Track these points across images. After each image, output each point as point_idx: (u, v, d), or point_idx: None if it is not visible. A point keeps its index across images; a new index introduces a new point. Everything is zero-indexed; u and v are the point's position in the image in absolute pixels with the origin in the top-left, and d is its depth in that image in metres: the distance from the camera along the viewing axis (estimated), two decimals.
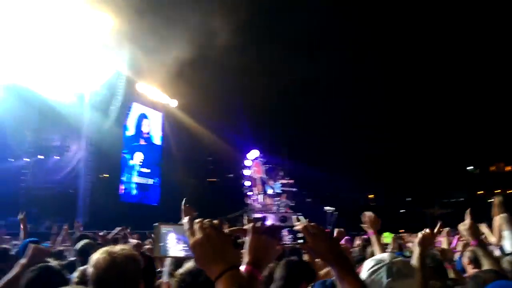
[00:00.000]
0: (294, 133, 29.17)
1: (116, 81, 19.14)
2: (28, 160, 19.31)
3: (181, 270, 2.05)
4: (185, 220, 1.31)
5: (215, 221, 1.31)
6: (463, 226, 2.79)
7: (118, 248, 2.12)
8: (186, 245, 1.33)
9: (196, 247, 1.26)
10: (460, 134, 37.15)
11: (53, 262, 2.89)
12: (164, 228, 1.40)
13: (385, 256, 1.86)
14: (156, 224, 1.44)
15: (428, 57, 29.98)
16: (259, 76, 22.35)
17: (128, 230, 6.28)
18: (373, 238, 3.47)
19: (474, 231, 2.78)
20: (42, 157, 19.39)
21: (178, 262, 2.43)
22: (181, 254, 1.38)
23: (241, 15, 18.21)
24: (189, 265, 2.04)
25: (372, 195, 42.51)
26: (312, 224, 1.53)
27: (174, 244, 1.38)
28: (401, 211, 38.54)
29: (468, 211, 2.85)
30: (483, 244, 2.73)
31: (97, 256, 2.06)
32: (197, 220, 1.29)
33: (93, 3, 16.03)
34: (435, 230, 3.29)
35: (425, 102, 33.62)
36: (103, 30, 17.02)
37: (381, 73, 29.62)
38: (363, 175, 32.99)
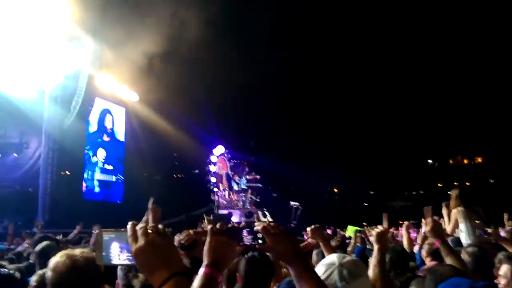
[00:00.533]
0: (260, 129, 29.29)
1: (78, 75, 18.59)
2: None
3: None
4: (128, 226, 1.26)
5: (160, 226, 1.26)
6: (426, 228, 2.81)
7: (78, 251, 2.06)
8: (130, 254, 1.27)
9: (138, 254, 1.21)
10: (420, 129, 38.30)
11: (9, 266, 2.81)
12: (106, 235, 1.33)
13: (334, 258, 1.88)
14: (97, 231, 1.39)
15: (390, 52, 30.67)
16: (223, 71, 22.25)
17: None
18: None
19: (437, 230, 2.78)
20: None
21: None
22: (125, 262, 1.32)
23: (207, 9, 18.08)
24: None
25: (336, 190, 43.29)
26: (272, 224, 1.52)
27: (118, 253, 1.32)
28: (365, 204, 39.40)
29: (426, 209, 2.87)
30: (446, 242, 2.77)
31: (56, 259, 2.00)
32: (140, 226, 1.24)
33: None
34: (385, 225, 3.31)
35: (387, 96, 34.41)
36: (63, 22, 16.50)
37: (344, 67, 30.09)
38: (328, 169, 33.49)
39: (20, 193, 18.29)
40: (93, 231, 6.59)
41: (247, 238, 1.48)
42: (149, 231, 1.24)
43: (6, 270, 2.41)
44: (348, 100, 32.40)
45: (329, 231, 9.44)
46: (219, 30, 19.76)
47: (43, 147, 18.23)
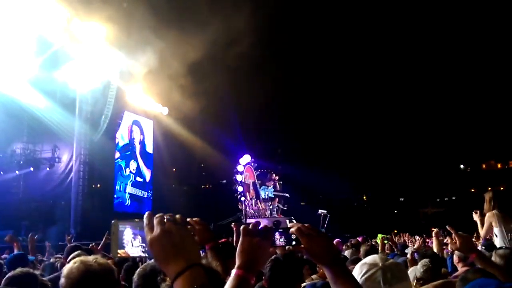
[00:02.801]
0: (287, 137, 29.23)
1: (106, 89, 19.03)
2: (18, 172, 19.15)
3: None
4: (145, 215, 1.23)
5: (177, 216, 1.24)
6: (455, 247, 2.64)
7: (92, 257, 2.06)
8: (143, 241, 1.26)
9: (154, 243, 1.17)
10: (451, 134, 37.45)
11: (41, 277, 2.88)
12: (122, 226, 1.33)
13: (377, 259, 1.85)
14: (114, 221, 1.39)
15: (421, 58, 30.25)
16: (250, 82, 22.40)
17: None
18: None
19: (467, 246, 2.60)
20: (32, 169, 19.23)
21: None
22: (137, 252, 1.31)
23: (235, 23, 18.24)
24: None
25: (365, 197, 42.66)
26: (306, 225, 1.49)
27: (131, 239, 1.31)
28: (395, 211, 38.69)
29: (448, 228, 2.70)
30: (481, 254, 2.62)
31: (70, 265, 2.00)
32: (157, 215, 1.22)
33: (84, 11, 15.97)
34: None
35: (417, 103, 33.88)
36: (93, 38, 16.98)
37: (373, 74, 29.82)
38: (357, 177, 33.10)
39: (52, 206, 18.73)
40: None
41: (279, 241, 1.46)
42: (166, 220, 1.21)
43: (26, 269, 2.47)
44: (378, 106, 32.05)
45: (359, 239, 9.30)
46: (246, 43, 19.88)
47: (75, 161, 18.68)
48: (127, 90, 20.25)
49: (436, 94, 33.86)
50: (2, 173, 18.76)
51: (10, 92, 16.08)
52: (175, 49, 16.90)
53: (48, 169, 19.46)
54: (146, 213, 1.24)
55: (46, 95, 16.88)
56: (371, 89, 30.72)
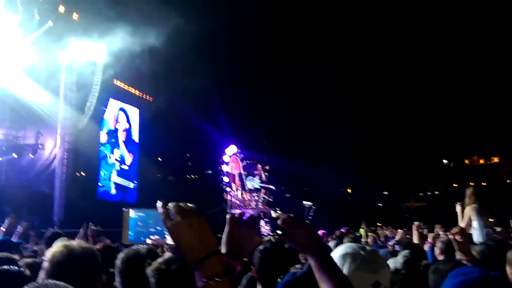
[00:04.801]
0: (272, 128, 29.24)
1: (91, 76, 18.81)
2: (1, 159, 18.86)
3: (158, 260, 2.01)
4: (159, 204, 1.24)
5: (191, 205, 1.25)
6: (457, 248, 2.75)
7: (75, 242, 2.09)
8: (160, 230, 1.28)
9: (175, 230, 1.19)
10: (435, 128, 37.92)
11: (24, 260, 2.85)
12: (134, 214, 1.35)
13: (356, 247, 1.86)
14: (126, 209, 1.40)
15: (405, 51, 30.42)
16: (235, 70, 22.32)
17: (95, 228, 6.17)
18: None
19: (468, 248, 2.78)
20: (15, 155, 18.94)
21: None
22: (153, 240, 1.33)
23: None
24: (165, 255, 2.01)
25: (350, 190, 43.04)
26: (291, 215, 1.52)
27: (147, 230, 1.33)
28: (379, 204, 39.11)
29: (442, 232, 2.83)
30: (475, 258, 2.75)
31: (53, 249, 2.02)
32: (172, 204, 1.23)
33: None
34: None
35: (401, 96, 34.15)
36: (74, 24, 16.79)
37: (358, 67, 29.94)
38: (341, 169, 33.34)
39: (35, 193, 18.51)
40: (81, 229, 6.65)
41: (264, 228, 1.48)
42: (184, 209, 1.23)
43: (15, 267, 2.41)
44: (362, 100, 32.19)
45: (343, 230, 9.41)
46: (229, 28, 19.77)
47: (59, 148, 18.48)
48: (113, 76, 20.04)
49: (421, 89, 34.18)
50: None
51: None
52: (158, 35, 16.69)
53: (31, 155, 19.20)
54: (159, 202, 1.25)
55: (31, 80, 16.67)
56: (356, 82, 30.86)
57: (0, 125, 18.87)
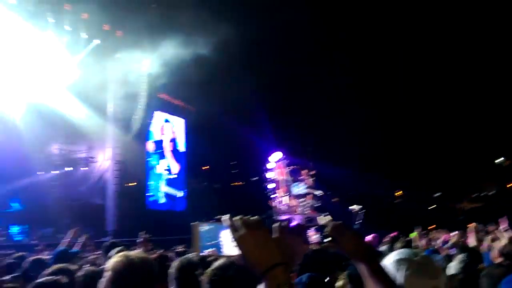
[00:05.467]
0: (317, 133, 28.99)
1: (137, 90, 19.45)
2: (57, 172, 19.79)
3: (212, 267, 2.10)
4: (225, 217, 1.32)
5: (255, 218, 1.32)
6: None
7: (134, 252, 2.25)
8: (216, 243, 1.34)
9: (241, 242, 1.25)
10: (488, 126, 36.29)
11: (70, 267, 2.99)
12: (202, 227, 1.42)
13: (410, 253, 1.77)
14: (194, 223, 1.46)
15: (452, 51, 29.42)
16: (279, 78, 22.32)
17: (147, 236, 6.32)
18: None
19: None
20: (70, 169, 19.84)
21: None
22: (222, 252, 1.39)
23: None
24: (219, 261, 2.08)
25: (400, 192, 41.87)
26: (339, 222, 1.54)
27: (215, 242, 1.40)
28: (430, 207, 37.81)
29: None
30: None
31: (114, 259, 2.18)
32: (237, 217, 1.30)
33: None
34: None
35: (452, 94, 32.98)
36: (119, 41, 17.42)
37: (403, 68, 29.21)
38: (390, 172, 32.51)
39: (89, 205, 19.24)
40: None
41: (314, 237, 1.49)
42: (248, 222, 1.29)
43: (50, 277, 2.52)
44: (411, 99, 31.35)
45: (393, 235, 9.14)
46: (273, 36, 19.81)
47: (108, 161, 19.17)
48: (157, 89, 20.60)
49: (472, 86, 32.88)
50: (42, 173, 19.42)
51: (44, 97, 16.78)
52: (201, 46, 16.97)
53: (83, 168, 20.02)
54: (226, 215, 1.32)
55: (79, 97, 17.44)
56: (403, 83, 30.10)
57: (54, 141, 19.85)
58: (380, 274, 1.48)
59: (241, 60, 20.07)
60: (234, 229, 1.27)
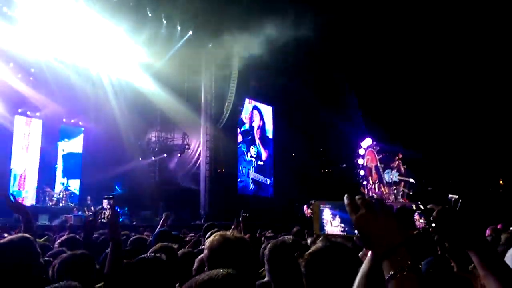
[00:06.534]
0: (410, 119, 27.66)
1: (228, 78, 19.97)
2: (154, 158, 21.11)
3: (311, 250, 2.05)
4: (345, 196, 1.27)
5: (376, 197, 1.27)
6: None
7: (229, 232, 2.37)
8: (342, 221, 1.31)
9: (361, 221, 1.20)
10: None
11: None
12: (321, 206, 1.40)
13: None
14: (313, 201, 1.45)
15: None
16: (368, 60, 21.55)
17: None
18: None
19: None
20: (166, 155, 21.06)
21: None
22: (337, 231, 1.36)
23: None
24: (317, 244, 2.03)
25: (502, 181, 38.62)
26: (445, 207, 1.41)
27: (330, 219, 1.37)
28: None
29: None
30: None
31: (211, 238, 2.31)
32: (358, 196, 1.25)
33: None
34: None
35: None
36: (211, 32, 17.92)
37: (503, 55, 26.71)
38: (491, 159, 30.08)
39: (184, 189, 20.28)
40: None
41: (419, 222, 1.40)
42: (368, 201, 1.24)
43: (153, 254, 2.65)
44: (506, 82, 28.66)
45: (498, 227, 8.46)
46: (359, 16, 19.12)
47: (202, 148, 19.99)
48: (247, 78, 20.95)
49: None
50: (141, 159, 20.84)
51: (141, 88, 17.90)
52: (289, 31, 16.85)
53: (179, 155, 21.12)
54: (346, 195, 1.27)
55: (174, 85, 18.34)
56: (498, 69, 27.54)
57: (153, 129, 21.17)
58: (495, 263, 1.33)
59: (328, 44, 19.68)
60: (353, 208, 1.22)
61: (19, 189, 17.68)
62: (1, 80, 16.16)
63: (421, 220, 1.39)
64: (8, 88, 16.38)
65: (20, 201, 3.61)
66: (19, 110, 17.90)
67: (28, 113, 18.14)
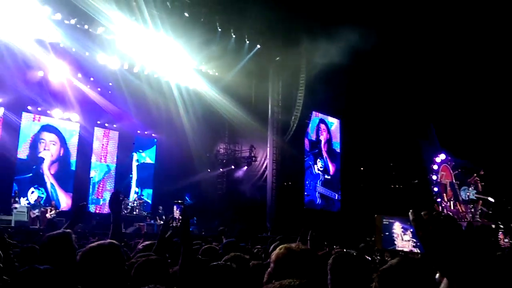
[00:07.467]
0: (488, 132, 25.95)
1: (295, 91, 19.96)
2: (222, 170, 21.51)
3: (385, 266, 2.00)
4: (410, 211, 1.22)
5: (443, 213, 1.20)
6: None
7: (294, 244, 2.39)
8: (413, 235, 1.23)
9: (427, 239, 1.14)
10: None
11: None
12: (385, 220, 1.32)
13: None
14: (376, 215, 1.38)
15: None
16: (442, 76, 20.60)
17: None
18: None
19: None
20: (233, 167, 21.38)
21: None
22: (407, 247, 1.28)
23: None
24: (393, 260, 1.97)
25: None
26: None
27: (400, 233, 1.29)
28: None
29: None
30: None
31: (276, 251, 2.33)
32: (424, 212, 1.19)
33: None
34: None
35: None
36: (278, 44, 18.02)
37: None
38: None
39: (250, 201, 20.41)
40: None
41: (503, 241, 1.27)
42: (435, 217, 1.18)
43: (223, 262, 2.74)
44: None
45: None
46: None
47: (268, 160, 20.05)
48: (315, 90, 20.80)
49: None
50: (209, 170, 21.33)
51: (209, 97, 18.40)
52: (357, 45, 16.55)
53: (246, 167, 21.35)
54: (411, 210, 1.22)
55: (241, 98, 18.67)
56: None
57: (221, 141, 21.64)
58: None
59: (400, 56, 19.07)
60: (419, 224, 1.15)
61: (97, 197, 18.73)
62: (83, 93, 17.35)
63: (506, 240, 1.25)
64: (89, 101, 17.54)
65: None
66: (98, 122, 19.06)
67: (106, 124, 19.26)
